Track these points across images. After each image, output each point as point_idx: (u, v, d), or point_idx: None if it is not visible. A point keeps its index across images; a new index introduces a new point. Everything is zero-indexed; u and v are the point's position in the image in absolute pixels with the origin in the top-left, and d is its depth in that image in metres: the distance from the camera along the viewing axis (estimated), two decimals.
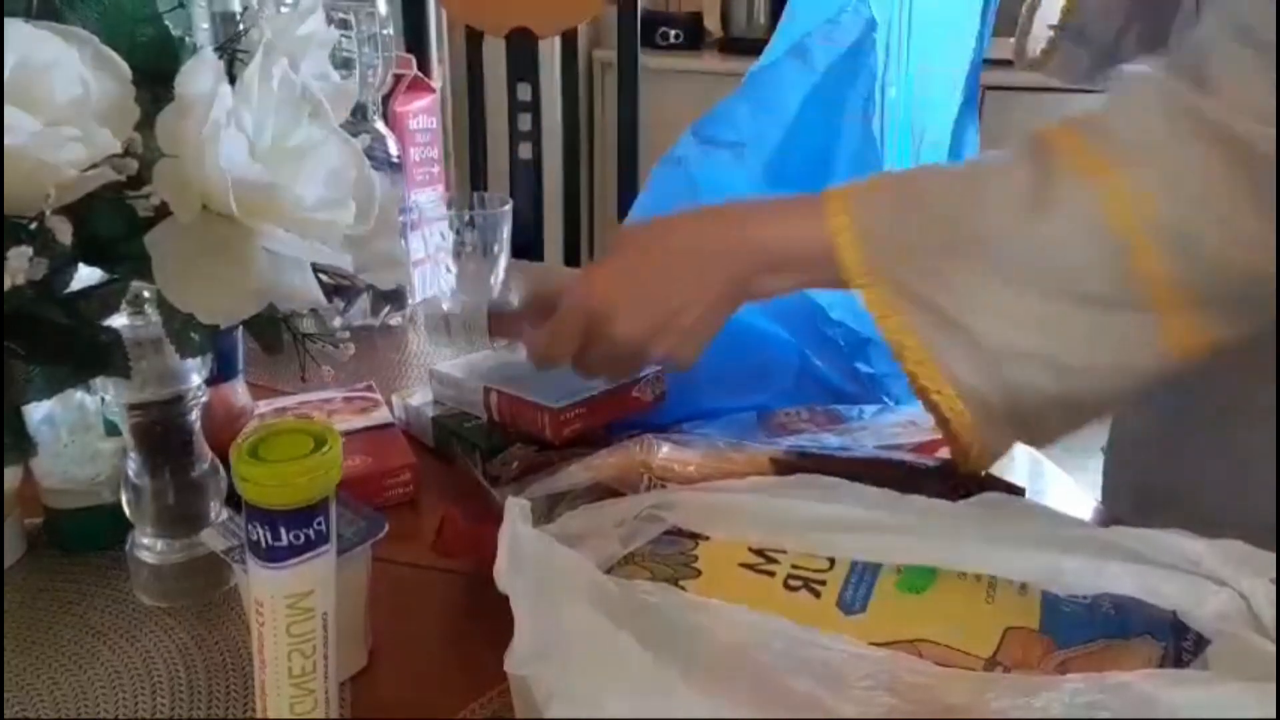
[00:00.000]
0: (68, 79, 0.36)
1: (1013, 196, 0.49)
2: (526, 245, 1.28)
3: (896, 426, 0.69)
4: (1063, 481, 0.71)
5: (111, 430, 0.58)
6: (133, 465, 0.53)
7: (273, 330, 0.47)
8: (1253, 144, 0.45)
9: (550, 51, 1.45)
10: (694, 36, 2.58)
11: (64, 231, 0.35)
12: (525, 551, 0.40)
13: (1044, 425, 0.53)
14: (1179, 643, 0.39)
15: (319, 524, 0.38)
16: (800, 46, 0.64)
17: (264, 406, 0.71)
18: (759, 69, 0.67)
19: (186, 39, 0.43)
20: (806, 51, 0.64)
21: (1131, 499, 0.72)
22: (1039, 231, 0.48)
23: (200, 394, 0.53)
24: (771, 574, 0.43)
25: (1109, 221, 0.47)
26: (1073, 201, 0.48)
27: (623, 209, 1.46)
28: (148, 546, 0.54)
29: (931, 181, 0.54)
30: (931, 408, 0.52)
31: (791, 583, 0.42)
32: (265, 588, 0.39)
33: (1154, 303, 0.48)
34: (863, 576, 0.43)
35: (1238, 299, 0.48)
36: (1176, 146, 0.47)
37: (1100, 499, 0.77)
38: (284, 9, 0.44)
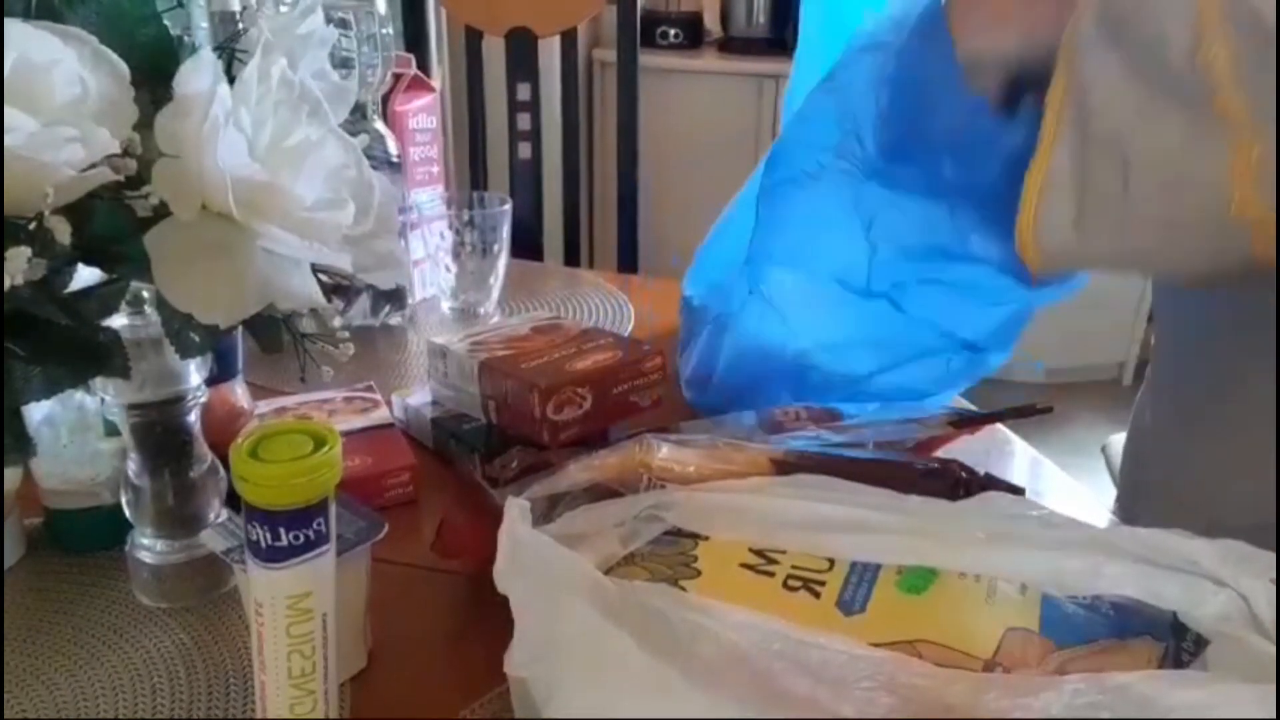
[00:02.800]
0: (66, 79, 0.36)
1: None
2: (526, 245, 1.28)
3: (896, 425, 0.69)
4: (1063, 481, 0.72)
5: (111, 431, 0.58)
6: (132, 466, 0.53)
7: (272, 330, 0.47)
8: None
9: (550, 51, 1.45)
10: (693, 36, 2.58)
11: (63, 232, 0.35)
12: (525, 552, 0.40)
13: (1096, 228, 0.52)
14: (1179, 643, 0.39)
15: (319, 524, 0.38)
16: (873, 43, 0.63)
17: (264, 407, 0.71)
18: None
19: (185, 38, 0.43)
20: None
21: (1147, 499, 0.72)
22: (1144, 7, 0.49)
23: (200, 394, 0.53)
24: (771, 574, 0.43)
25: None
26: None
27: (623, 208, 1.46)
28: (147, 547, 0.54)
29: None
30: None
31: (791, 583, 0.42)
32: (265, 588, 0.39)
33: (1214, 92, 0.47)
34: (862, 577, 0.43)
35: None
36: None
37: (1115, 499, 0.77)
38: (283, 8, 0.44)
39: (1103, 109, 0.51)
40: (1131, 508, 0.74)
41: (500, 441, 0.66)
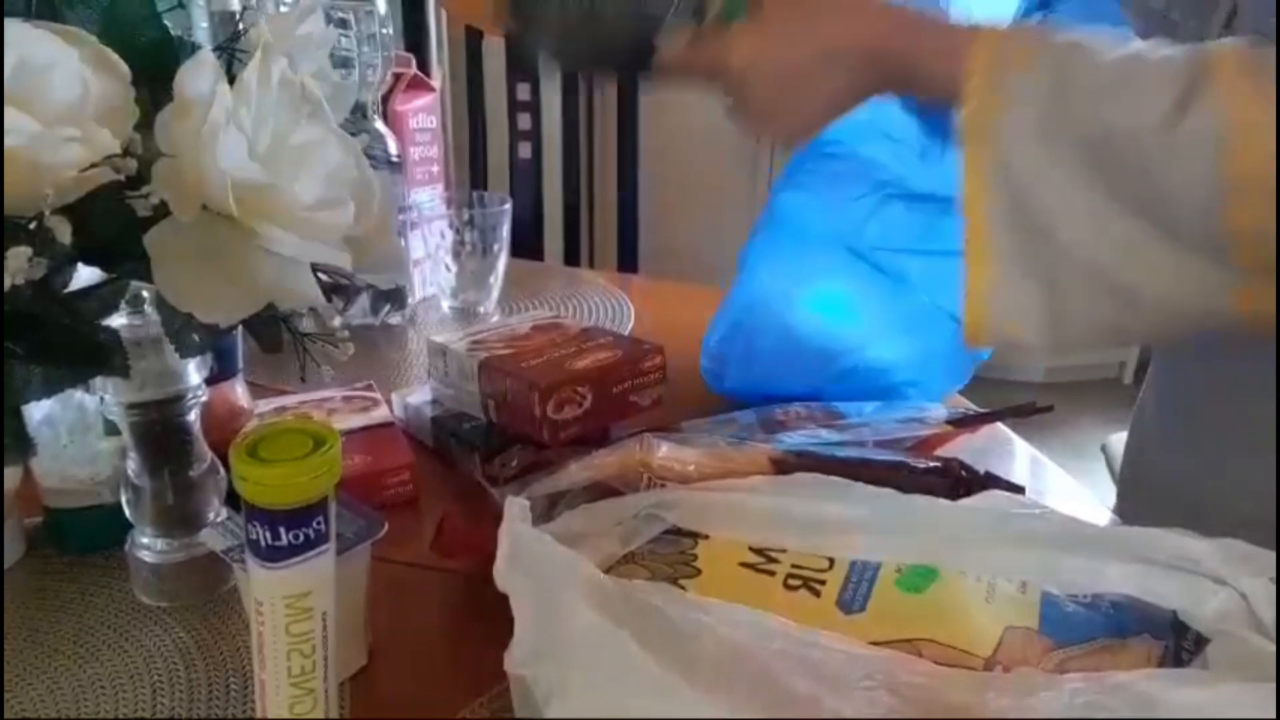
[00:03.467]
0: (67, 79, 0.36)
1: (1152, 102, 0.46)
2: (526, 244, 1.28)
3: (896, 423, 0.69)
4: (1063, 481, 0.72)
5: (111, 430, 0.58)
6: (132, 465, 0.53)
7: (272, 329, 0.47)
8: None
9: None
10: None
11: (63, 231, 0.35)
12: (525, 551, 0.40)
13: (1074, 344, 0.51)
14: (1179, 642, 0.39)
15: (318, 523, 0.38)
16: None
17: (263, 406, 0.71)
18: None
19: (186, 39, 0.43)
20: None
21: (1148, 497, 0.72)
22: (1160, 144, 0.45)
23: (200, 394, 0.53)
24: (771, 573, 0.43)
25: (1225, 159, 0.44)
26: (1201, 127, 0.45)
27: (622, 208, 1.46)
28: (147, 546, 0.54)
29: (1086, 65, 0.49)
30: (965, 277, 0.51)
31: (791, 582, 0.42)
32: (265, 587, 0.39)
33: (1233, 256, 0.45)
34: (862, 576, 0.43)
35: None
36: None
37: (1116, 498, 0.77)
38: (283, 8, 0.44)
39: (1070, 229, 0.48)
40: (1133, 506, 0.74)
41: (500, 440, 0.66)
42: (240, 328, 0.46)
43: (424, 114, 1.01)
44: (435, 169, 1.03)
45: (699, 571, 0.44)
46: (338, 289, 0.45)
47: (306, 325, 0.47)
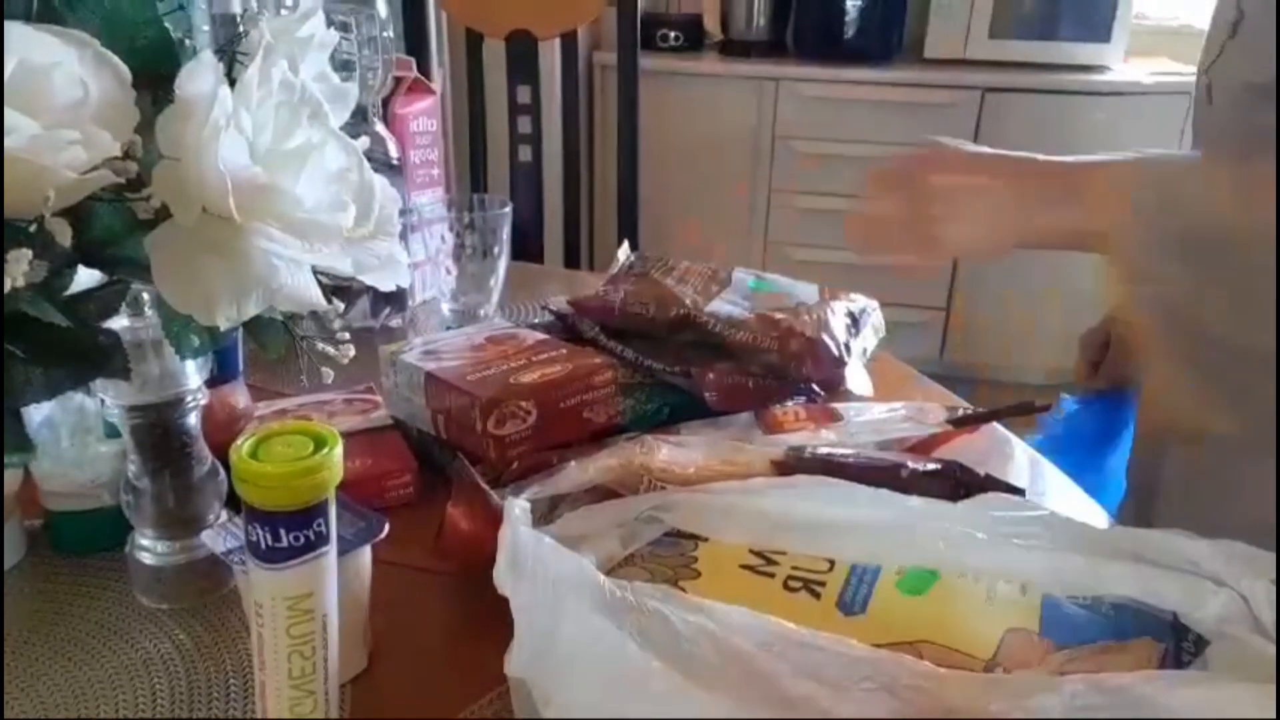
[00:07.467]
0: (68, 81, 0.36)
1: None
2: (526, 247, 1.28)
3: (895, 423, 0.69)
4: (1063, 481, 0.71)
5: (111, 433, 0.58)
6: (132, 467, 0.53)
7: (272, 332, 0.47)
8: None
9: (550, 54, 1.45)
10: (693, 38, 2.58)
11: (63, 234, 0.35)
12: (525, 553, 0.40)
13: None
14: (1179, 644, 0.39)
15: (319, 525, 0.38)
16: None
17: (264, 408, 0.71)
18: None
19: (186, 41, 0.43)
20: None
21: (1154, 499, 0.72)
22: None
23: (200, 396, 0.53)
24: (771, 575, 0.43)
25: None
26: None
27: (622, 210, 1.46)
28: (148, 548, 0.54)
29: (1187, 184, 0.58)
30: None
31: (791, 584, 0.42)
32: (265, 589, 0.39)
33: None
34: (862, 578, 0.43)
35: None
36: None
37: (1120, 503, 0.77)
38: (284, 11, 0.44)
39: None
40: (1133, 508, 0.74)
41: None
42: (240, 330, 0.46)
43: (424, 117, 1.01)
44: (436, 172, 1.04)
45: (699, 573, 0.44)
46: (338, 291, 0.45)
47: (307, 328, 0.47)
